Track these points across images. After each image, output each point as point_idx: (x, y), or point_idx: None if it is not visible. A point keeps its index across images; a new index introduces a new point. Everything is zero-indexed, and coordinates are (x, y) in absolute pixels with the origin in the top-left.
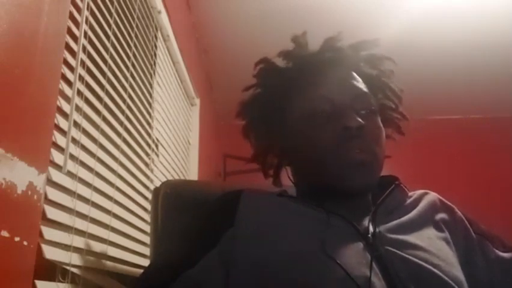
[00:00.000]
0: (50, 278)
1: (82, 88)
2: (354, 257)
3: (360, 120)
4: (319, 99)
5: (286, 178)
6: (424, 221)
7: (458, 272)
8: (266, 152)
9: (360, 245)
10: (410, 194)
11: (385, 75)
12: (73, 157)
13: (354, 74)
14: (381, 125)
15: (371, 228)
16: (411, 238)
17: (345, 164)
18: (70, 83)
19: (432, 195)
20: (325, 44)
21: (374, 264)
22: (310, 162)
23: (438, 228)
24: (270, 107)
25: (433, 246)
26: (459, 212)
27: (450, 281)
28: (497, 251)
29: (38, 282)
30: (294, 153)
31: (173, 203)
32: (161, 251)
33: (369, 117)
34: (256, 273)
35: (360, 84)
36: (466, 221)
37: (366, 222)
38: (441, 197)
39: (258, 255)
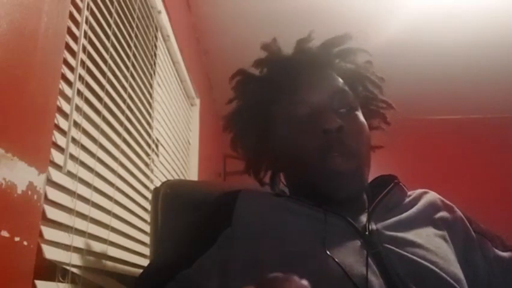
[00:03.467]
0: (50, 278)
1: (82, 88)
2: (352, 255)
3: (339, 120)
4: (297, 103)
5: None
6: (423, 219)
7: (456, 270)
8: (256, 162)
9: (358, 242)
10: (409, 193)
11: (362, 67)
12: (73, 157)
13: (330, 72)
14: (363, 119)
15: (368, 226)
16: (409, 235)
17: (330, 174)
18: (70, 83)
19: (431, 194)
20: (297, 47)
21: (372, 262)
22: (299, 169)
23: (437, 227)
24: (253, 116)
25: (431, 243)
26: (459, 211)
27: (448, 278)
28: (496, 250)
29: (38, 282)
30: (283, 160)
31: (173, 203)
32: (160, 251)
33: (349, 114)
34: (255, 273)
35: (337, 81)
36: (465, 220)
37: (364, 220)
38: (440, 197)
39: (256, 255)
